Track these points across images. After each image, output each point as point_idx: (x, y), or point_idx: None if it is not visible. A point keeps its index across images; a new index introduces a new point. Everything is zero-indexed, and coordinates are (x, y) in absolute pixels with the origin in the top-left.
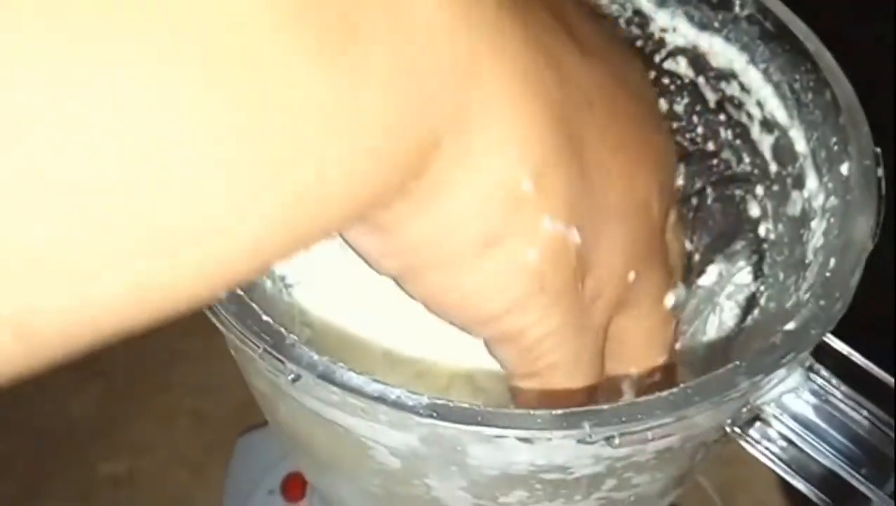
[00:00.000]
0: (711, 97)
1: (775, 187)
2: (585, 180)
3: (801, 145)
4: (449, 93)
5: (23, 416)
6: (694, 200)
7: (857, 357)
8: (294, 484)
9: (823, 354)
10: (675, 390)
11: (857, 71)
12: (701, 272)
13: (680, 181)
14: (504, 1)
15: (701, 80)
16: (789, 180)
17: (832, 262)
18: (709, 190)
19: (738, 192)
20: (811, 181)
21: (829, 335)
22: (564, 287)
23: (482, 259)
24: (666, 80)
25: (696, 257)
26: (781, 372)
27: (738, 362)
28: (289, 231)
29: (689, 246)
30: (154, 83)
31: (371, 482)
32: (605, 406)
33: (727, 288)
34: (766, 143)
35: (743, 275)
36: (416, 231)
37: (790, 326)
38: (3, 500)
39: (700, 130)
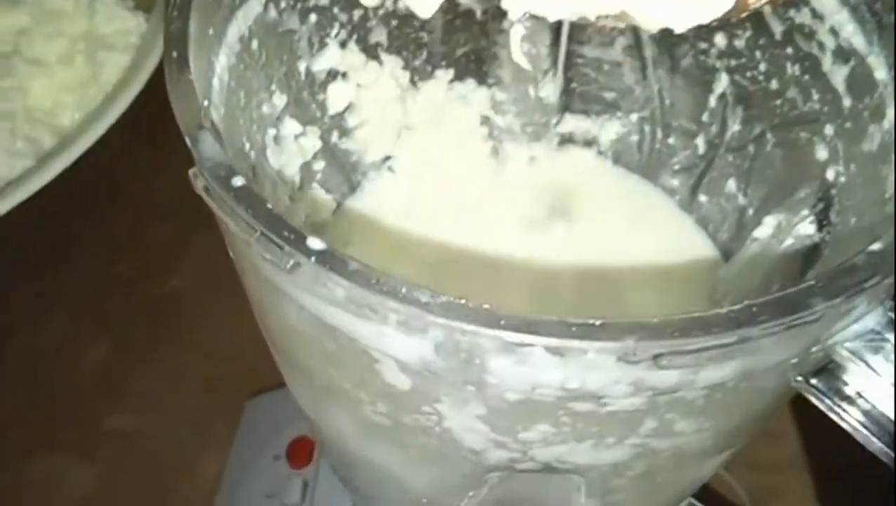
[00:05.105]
0: (778, 29)
1: (848, 124)
2: None
3: (881, 73)
4: None
5: (33, 368)
6: (751, 148)
7: None
8: (301, 450)
9: None
10: (737, 305)
11: None
12: (757, 224)
13: (736, 127)
14: None
15: (767, 9)
16: (866, 114)
17: None
18: (769, 135)
19: (803, 134)
20: (892, 111)
21: None
22: None
23: None
24: None
25: (750, 211)
26: (861, 304)
27: (814, 281)
28: None
29: (742, 200)
30: None
31: (375, 410)
32: (655, 319)
33: (787, 241)
34: (839, 75)
35: (805, 225)
36: None
37: (876, 245)
38: (10, 448)
39: (763, 66)
